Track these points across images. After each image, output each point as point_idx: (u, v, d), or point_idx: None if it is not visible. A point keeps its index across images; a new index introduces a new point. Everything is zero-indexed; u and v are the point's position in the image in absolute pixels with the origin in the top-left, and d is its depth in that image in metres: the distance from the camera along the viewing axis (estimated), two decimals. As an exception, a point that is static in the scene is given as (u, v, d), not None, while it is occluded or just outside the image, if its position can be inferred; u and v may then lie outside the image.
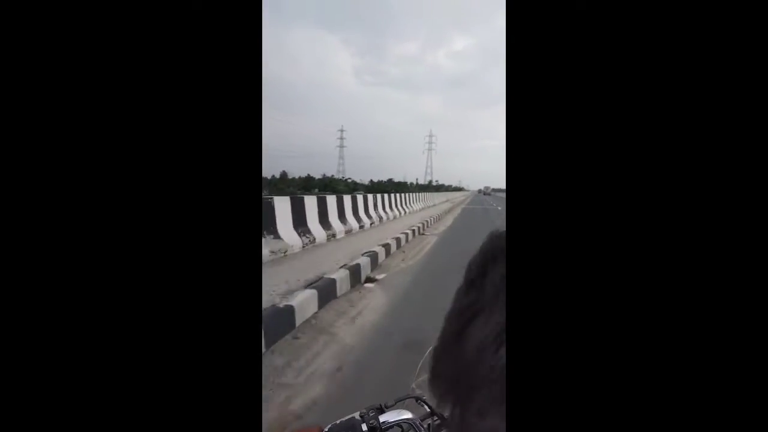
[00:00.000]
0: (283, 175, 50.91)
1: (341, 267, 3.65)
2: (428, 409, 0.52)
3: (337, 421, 0.48)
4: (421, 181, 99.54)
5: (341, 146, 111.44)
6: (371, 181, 61.73)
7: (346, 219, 6.60)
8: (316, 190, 38.95)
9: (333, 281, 3.17)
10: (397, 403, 0.51)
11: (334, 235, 5.76)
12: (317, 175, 54.54)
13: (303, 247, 4.82)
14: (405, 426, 0.49)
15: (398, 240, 5.76)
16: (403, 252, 5.49)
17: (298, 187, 42.23)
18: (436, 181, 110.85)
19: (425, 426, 0.49)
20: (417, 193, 16.17)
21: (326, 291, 3.05)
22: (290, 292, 2.82)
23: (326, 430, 0.47)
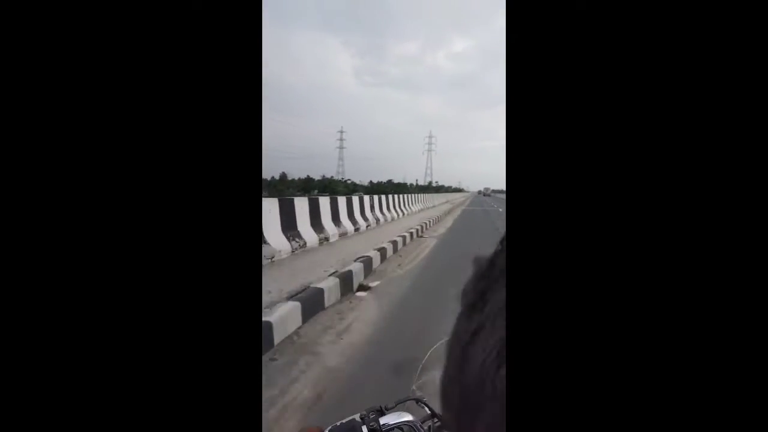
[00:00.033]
0: (283, 176, 50.78)
1: (331, 274, 3.37)
2: (428, 411, 0.51)
3: (338, 423, 0.47)
4: (421, 182, 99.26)
5: (341, 147, 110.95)
6: (371, 182, 61.57)
7: (341, 221, 6.29)
8: (316, 192, 38.89)
9: (320, 291, 2.89)
10: (397, 405, 0.51)
11: (327, 239, 5.46)
12: (317, 177, 54.40)
13: (293, 251, 4.53)
14: (405, 428, 0.49)
15: (395, 243, 5.47)
16: (400, 256, 5.21)
17: (297, 189, 42.28)
18: (436, 182, 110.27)
19: (426, 428, 0.49)
20: (416, 194, 15.89)
21: (312, 302, 2.77)
22: (271, 305, 2.54)
23: (327, 431, 0.46)
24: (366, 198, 8.04)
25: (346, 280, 3.39)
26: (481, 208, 20.29)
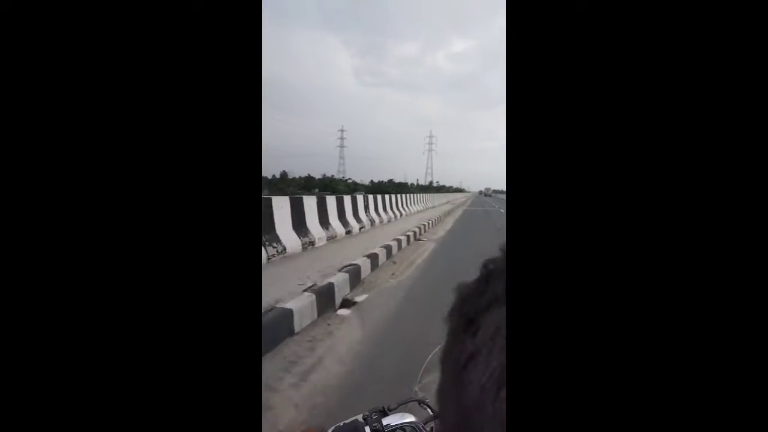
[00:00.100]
0: (284, 174, 50.40)
1: (307, 289, 2.81)
2: (431, 412, 0.51)
3: (341, 423, 0.47)
4: (422, 182, 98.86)
5: (341, 146, 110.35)
6: (372, 181, 61.01)
7: (330, 224, 5.71)
8: (316, 190, 38.49)
9: (288, 313, 2.33)
10: (399, 406, 0.50)
11: (312, 243, 4.89)
12: (317, 176, 53.93)
13: (268, 259, 3.97)
14: (408, 429, 0.48)
15: (389, 248, 4.91)
16: (394, 263, 4.65)
17: (298, 187, 42.08)
18: (437, 182, 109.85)
19: (428, 429, 0.48)
20: (415, 194, 15.33)
21: (276, 329, 2.22)
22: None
23: (330, 431, 0.46)
24: (359, 198, 7.44)
25: (325, 295, 2.83)
26: (483, 208, 19.79)
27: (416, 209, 13.13)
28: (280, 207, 4.44)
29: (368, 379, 1.85)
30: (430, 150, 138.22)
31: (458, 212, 15.34)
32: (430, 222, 8.94)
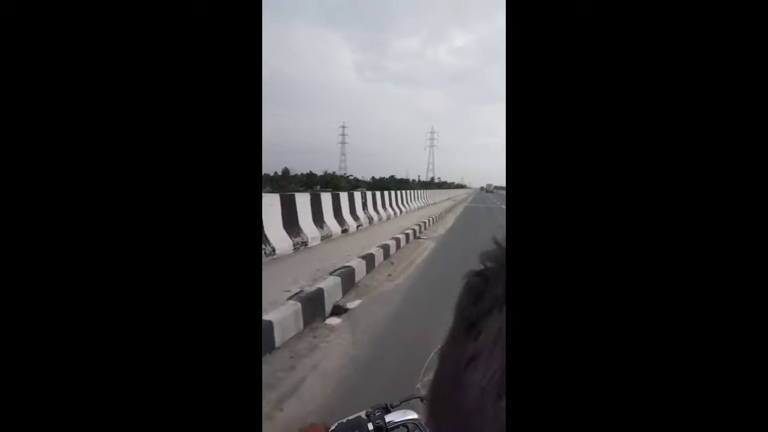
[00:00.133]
0: (286, 171, 50.10)
1: (292, 296, 2.56)
2: None
3: (344, 420, 0.47)
4: (423, 178, 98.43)
5: (343, 143, 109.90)
6: (373, 178, 60.69)
7: (325, 222, 5.45)
8: (318, 187, 38.27)
9: (268, 325, 2.08)
10: (402, 403, 0.51)
11: (304, 243, 4.64)
12: (319, 172, 53.64)
13: (257, 261, 3.72)
14: (410, 426, 0.48)
15: (386, 248, 4.66)
16: (392, 264, 4.40)
17: (300, 184, 41.89)
18: (438, 178, 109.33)
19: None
20: (416, 191, 15.05)
21: (253, 344, 1.97)
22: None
23: (333, 428, 0.46)
24: (356, 195, 7.17)
25: (313, 303, 2.58)
26: (484, 205, 19.54)
27: (416, 206, 12.86)
28: (270, 205, 4.17)
29: (356, 407, 1.60)
30: (431, 146, 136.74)
31: (459, 209, 15.06)
32: (430, 219, 8.67)
